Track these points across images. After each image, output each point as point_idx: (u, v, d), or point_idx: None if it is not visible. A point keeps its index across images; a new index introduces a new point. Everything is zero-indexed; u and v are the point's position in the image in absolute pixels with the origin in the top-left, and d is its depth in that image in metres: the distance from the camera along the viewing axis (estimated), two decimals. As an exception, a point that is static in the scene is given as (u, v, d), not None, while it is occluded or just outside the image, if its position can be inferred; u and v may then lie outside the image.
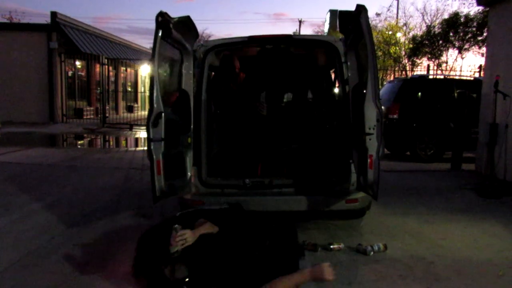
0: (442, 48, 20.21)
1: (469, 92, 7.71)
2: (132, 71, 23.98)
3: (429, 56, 20.57)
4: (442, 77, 11.50)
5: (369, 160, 3.17)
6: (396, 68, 20.89)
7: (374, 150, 3.15)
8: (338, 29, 5.29)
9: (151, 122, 3.13)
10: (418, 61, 21.10)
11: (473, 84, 8.62)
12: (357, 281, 2.87)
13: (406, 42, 21.91)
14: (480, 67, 14.95)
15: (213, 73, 4.54)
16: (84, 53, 15.90)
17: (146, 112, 3.20)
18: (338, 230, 3.94)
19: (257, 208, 3.54)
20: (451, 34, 19.42)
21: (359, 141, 3.34)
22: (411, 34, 21.84)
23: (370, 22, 3.14)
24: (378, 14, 24.88)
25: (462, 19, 18.85)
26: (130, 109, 21.77)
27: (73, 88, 17.67)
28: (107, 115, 15.95)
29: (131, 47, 23.72)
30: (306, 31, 68.94)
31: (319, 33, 36.42)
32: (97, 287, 2.78)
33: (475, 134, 7.38)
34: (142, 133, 14.10)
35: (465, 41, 19.45)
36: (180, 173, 3.67)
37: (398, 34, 22.30)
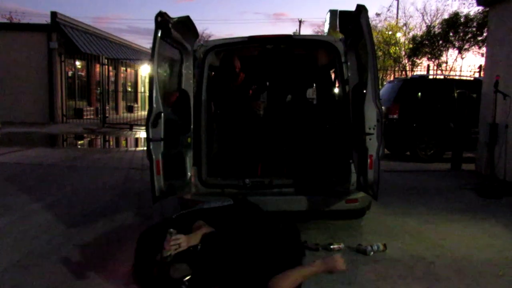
0: (442, 48, 20.22)
1: (469, 92, 7.71)
2: (132, 71, 23.98)
3: (429, 56, 20.58)
4: (442, 77, 11.50)
5: (369, 160, 3.17)
6: (396, 68, 20.89)
7: (374, 150, 3.15)
8: (338, 29, 5.29)
9: (150, 122, 3.13)
10: (418, 61, 21.11)
11: (473, 84, 8.62)
12: (357, 281, 2.87)
13: (406, 42, 21.92)
14: (480, 67, 14.95)
15: (213, 73, 4.54)
16: (84, 53, 15.90)
17: (146, 112, 3.20)
18: (338, 230, 3.94)
19: None
20: (451, 34, 19.43)
21: (359, 141, 3.34)
22: (411, 34, 21.87)
23: (370, 22, 3.14)
24: (378, 14, 24.93)
25: (462, 19, 18.86)
26: (130, 109, 21.79)
27: (73, 88, 17.67)
28: (107, 115, 15.95)
29: (131, 47, 23.73)
30: (306, 31, 68.98)
31: (319, 33, 36.43)
32: (98, 287, 2.78)
33: (475, 134, 7.38)
34: (142, 133, 14.10)
35: (465, 41, 19.45)
36: (180, 173, 3.67)
37: (398, 34, 22.31)
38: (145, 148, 8.74)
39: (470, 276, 2.98)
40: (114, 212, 4.51)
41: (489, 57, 7.36)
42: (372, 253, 3.30)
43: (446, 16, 20.16)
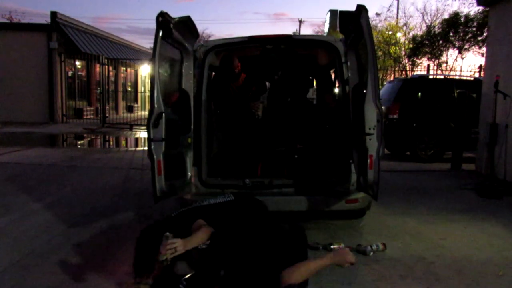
0: (442, 48, 20.22)
1: (469, 92, 7.71)
2: (132, 71, 23.99)
3: (429, 56, 20.57)
4: (442, 77, 11.50)
5: (369, 161, 3.17)
6: (396, 68, 20.89)
7: (374, 150, 3.15)
8: (338, 29, 5.29)
9: (151, 123, 3.13)
10: (418, 61, 21.10)
11: (473, 84, 8.61)
12: (357, 281, 2.87)
13: (406, 42, 21.91)
14: (480, 67, 14.96)
15: (213, 73, 4.55)
16: (84, 53, 15.91)
17: (146, 112, 3.21)
18: (338, 230, 3.94)
19: None
20: (451, 34, 19.41)
21: (359, 141, 3.34)
22: (411, 34, 21.85)
23: (370, 22, 3.14)
24: (378, 14, 24.92)
25: (462, 19, 18.85)
26: (130, 109, 21.79)
27: (73, 88, 17.67)
28: (107, 115, 15.95)
29: (131, 47, 23.73)
30: (306, 31, 69.03)
31: (319, 33, 36.44)
32: (97, 287, 2.78)
33: (475, 134, 7.38)
34: (142, 133, 14.10)
35: (465, 41, 19.44)
36: (180, 173, 3.68)
37: (398, 34, 22.30)
38: (145, 148, 8.73)
39: (470, 276, 2.99)
40: (114, 212, 4.51)
41: (489, 57, 7.36)
42: (372, 253, 3.30)
43: (446, 16, 20.17)
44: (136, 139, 13.13)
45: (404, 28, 22.36)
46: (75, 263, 3.14)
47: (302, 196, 3.70)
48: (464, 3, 28.41)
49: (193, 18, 3.48)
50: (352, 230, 3.94)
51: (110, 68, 17.43)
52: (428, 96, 8.62)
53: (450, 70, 19.41)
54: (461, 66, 19.31)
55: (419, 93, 8.68)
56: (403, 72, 20.29)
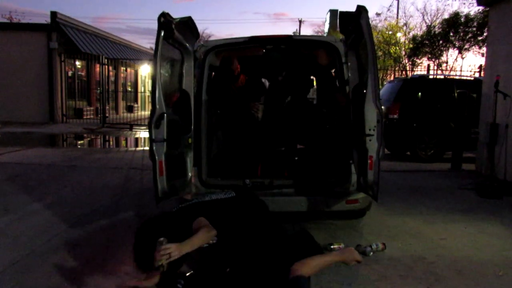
0: (442, 48, 20.23)
1: (469, 92, 7.71)
2: (132, 71, 23.98)
3: (429, 56, 20.58)
4: (442, 77, 11.50)
5: (369, 161, 3.17)
6: (396, 68, 20.89)
7: (374, 151, 3.15)
8: (338, 29, 5.28)
9: (153, 123, 3.13)
10: (418, 61, 21.12)
11: (473, 84, 8.62)
12: (357, 281, 2.87)
13: (406, 42, 21.91)
14: (480, 67, 14.95)
15: (213, 73, 4.55)
16: (84, 53, 15.90)
17: (146, 112, 3.22)
18: (338, 230, 3.94)
19: None
20: (451, 34, 19.43)
21: (360, 142, 3.34)
22: (411, 34, 21.86)
23: (370, 22, 3.14)
24: (378, 14, 24.94)
25: (462, 19, 18.86)
26: (130, 109, 21.78)
27: (73, 88, 17.66)
28: (107, 115, 15.95)
29: (131, 47, 23.72)
30: (306, 31, 69.04)
31: (319, 33, 36.43)
32: (97, 287, 2.79)
33: (475, 134, 7.38)
34: (142, 133, 14.11)
35: (465, 41, 19.45)
36: (181, 173, 3.68)
37: (398, 34, 22.30)
38: (145, 148, 8.71)
39: (470, 276, 2.99)
40: (114, 212, 4.51)
41: (489, 57, 7.36)
42: (371, 253, 3.30)
43: (446, 16, 20.19)
44: (136, 139, 13.13)
45: (404, 28, 22.37)
46: (75, 263, 3.14)
47: (302, 197, 3.70)
48: (464, 3, 28.42)
49: (193, 18, 3.48)
50: (352, 230, 3.95)
51: (110, 68, 17.43)
52: (428, 96, 8.62)
53: (450, 70, 19.42)
54: (461, 66, 19.37)
55: (419, 93, 8.68)
56: (403, 72, 20.30)
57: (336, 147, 4.18)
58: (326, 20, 37.96)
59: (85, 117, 16.72)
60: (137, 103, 23.66)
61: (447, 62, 20.56)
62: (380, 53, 21.09)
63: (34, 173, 6.52)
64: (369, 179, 3.20)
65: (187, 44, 3.69)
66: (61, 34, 16.03)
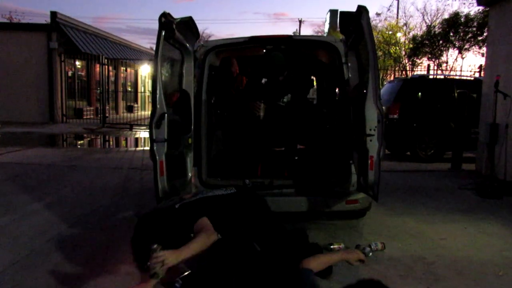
0: (442, 48, 20.24)
1: (469, 92, 7.71)
2: (132, 71, 23.97)
3: (429, 56, 20.59)
4: (442, 77, 11.50)
5: (370, 161, 3.17)
6: (396, 68, 20.90)
7: (375, 151, 3.15)
8: (338, 29, 5.27)
9: (154, 123, 3.13)
10: (418, 61, 21.13)
11: (473, 84, 8.62)
12: (357, 281, 2.87)
13: (406, 42, 21.92)
14: (480, 67, 14.96)
15: (213, 73, 4.55)
16: (84, 53, 15.90)
17: (146, 112, 3.22)
18: (338, 230, 3.94)
19: None
20: (451, 34, 19.43)
21: (360, 142, 3.34)
22: (411, 34, 21.87)
23: (370, 22, 3.14)
24: (378, 14, 24.94)
25: (462, 19, 18.87)
26: (130, 109, 21.77)
27: (73, 88, 17.66)
28: (107, 115, 15.95)
29: (131, 47, 23.71)
30: (306, 31, 69.07)
31: (319, 33, 36.43)
32: (97, 287, 2.79)
33: (475, 134, 7.38)
34: (142, 133, 14.11)
35: (465, 41, 19.46)
36: (181, 173, 3.68)
37: (398, 34, 22.31)
38: (145, 148, 8.71)
39: (470, 276, 2.99)
40: (115, 212, 4.52)
41: (489, 57, 7.36)
42: (371, 253, 3.29)
43: (446, 16, 20.19)
44: (136, 139, 13.13)
45: (404, 28, 22.38)
46: (75, 263, 3.14)
47: (302, 197, 3.70)
48: (464, 3, 28.42)
49: (193, 18, 3.48)
50: (352, 230, 3.95)
51: (110, 68, 17.43)
52: (428, 96, 8.62)
53: (450, 70, 19.42)
54: (461, 66, 19.37)
55: (419, 93, 8.68)
56: (403, 72, 20.30)
57: (336, 147, 4.18)
58: (326, 20, 37.96)
59: (85, 117, 16.71)
60: (137, 103, 23.65)
61: (447, 62, 20.59)
62: (380, 53, 21.09)
63: (34, 173, 6.52)
64: (370, 179, 3.20)
65: (187, 44, 3.70)
66: (61, 34, 16.03)
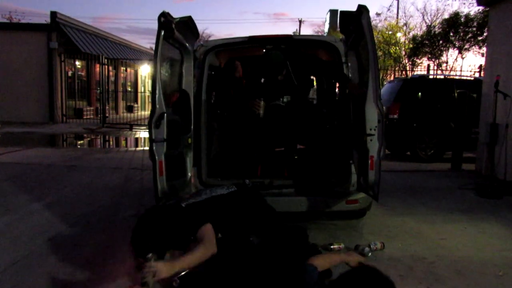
0: (442, 48, 20.23)
1: (469, 92, 7.70)
2: (132, 71, 23.97)
3: (429, 56, 20.58)
4: (442, 77, 11.50)
5: (370, 161, 3.16)
6: (396, 68, 20.89)
7: (375, 151, 3.14)
8: (338, 29, 5.27)
9: (153, 123, 3.13)
10: (418, 61, 21.12)
11: (473, 84, 8.61)
12: (357, 281, 2.87)
13: (406, 42, 21.91)
14: (480, 67, 14.96)
15: (213, 72, 4.55)
16: (84, 53, 15.90)
17: (146, 112, 3.22)
18: (338, 230, 3.94)
19: None
20: (451, 34, 19.43)
21: (360, 142, 3.34)
22: (411, 34, 21.86)
23: (371, 22, 3.13)
24: (378, 14, 24.92)
25: (462, 19, 18.86)
26: (130, 109, 21.77)
27: (73, 88, 17.66)
28: (107, 115, 15.95)
29: (131, 47, 23.71)
30: (306, 31, 69.07)
31: (319, 33, 36.43)
32: (97, 287, 2.78)
33: (475, 134, 7.38)
34: (142, 133, 14.11)
35: (465, 41, 19.45)
36: (181, 173, 3.67)
37: (398, 34, 22.30)
38: (145, 148, 8.70)
39: (470, 276, 2.99)
40: (114, 212, 4.51)
41: (489, 57, 7.36)
42: (370, 253, 3.29)
43: (446, 16, 20.19)
44: (136, 139, 13.13)
45: (404, 28, 22.37)
46: (75, 263, 3.13)
47: (302, 197, 3.70)
48: (464, 3, 28.41)
49: (193, 18, 3.48)
50: (352, 230, 3.94)
51: (110, 68, 17.43)
52: (428, 96, 8.62)
53: (450, 70, 19.42)
54: (461, 66, 19.37)
55: (419, 93, 8.68)
56: (403, 72, 20.30)
57: (336, 147, 4.18)
58: (326, 20, 37.97)
59: (85, 117, 16.71)
60: (137, 103, 23.65)
61: (447, 62, 20.58)
62: (380, 53, 21.08)
63: (34, 173, 6.52)
64: (370, 179, 3.19)
65: (187, 44, 3.69)
66: (61, 34, 16.03)
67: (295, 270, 2.22)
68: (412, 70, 19.85)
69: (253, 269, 2.35)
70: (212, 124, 4.30)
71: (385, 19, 24.45)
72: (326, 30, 35.88)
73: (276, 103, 4.82)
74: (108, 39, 20.35)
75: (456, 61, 20.19)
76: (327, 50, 4.26)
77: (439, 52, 20.29)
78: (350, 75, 3.74)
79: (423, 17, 23.55)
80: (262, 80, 4.79)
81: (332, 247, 3.37)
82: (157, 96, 3.14)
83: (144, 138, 12.93)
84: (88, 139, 13.22)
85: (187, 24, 3.47)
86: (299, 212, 3.76)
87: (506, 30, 6.57)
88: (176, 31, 3.30)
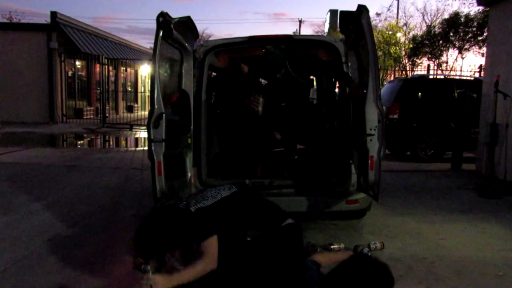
0: (442, 48, 20.23)
1: (469, 92, 7.70)
2: (132, 71, 23.97)
3: (429, 56, 20.59)
4: (442, 77, 11.50)
5: (370, 161, 3.16)
6: (396, 68, 20.89)
7: (375, 151, 3.14)
8: (338, 29, 5.26)
9: (152, 123, 3.13)
10: (418, 61, 21.12)
11: (473, 84, 8.61)
12: (357, 281, 2.87)
13: (406, 42, 21.92)
14: (480, 67, 14.95)
15: (213, 73, 4.55)
16: (84, 53, 15.89)
17: (146, 112, 3.21)
18: (338, 230, 3.94)
19: None
20: (451, 34, 19.43)
21: (360, 142, 3.34)
22: (411, 34, 21.87)
23: (371, 22, 3.13)
24: (378, 14, 24.94)
25: (462, 19, 18.87)
26: (130, 109, 21.77)
27: (73, 88, 17.66)
28: (107, 115, 15.95)
29: (131, 47, 23.71)
30: (306, 31, 69.07)
31: (319, 33, 36.43)
32: (97, 287, 2.79)
33: (475, 134, 7.38)
34: (142, 133, 14.10)
35: (465, 41, 19.46)
36: (180, 174, 3.67)
37: (398, 34, 22.31)
38: (145, 148, 8.71)
39: (470, 276, 2.99)
40: (114, 212, 4.51)
41: (489, 57, 7.36)
42: (369, 253, 3.29)
43: (446, 16, 20.19)
44: (136, 139, 13.13)
45: (404, 28, 22.38)
46: (75, 263, 3.14)
47: (302, 197, 3.70)
48: (464, 3, 28.42)
49: (193, 18, 3.48)
50: (352, 230, 3.94)
51: (110, 68, 17.42)
52: (428, 96, 8.61)
53: (450, 70, 19.42)
54: (461, 66, 19.37)
55: (419, 93, 8.68)
56: (403, 72, 20.30)
57: (336, 147, 4.18)
58: (326, 20, 38.00)
59: (85, 117, 16.71)
60: (137, 103, 23.65)
61: (447, 62, 20.58)
62: (380, 53, 21.08)
63: (34, 173, 6.52)
64: (370, 179, 3.19)
65: (186, 44, 3.69)
66: (61, 34, 16.02)
67: (295, 266, 2.22)
68: (412, 70, 19.86)
69: (247, 266, 2.35)
70: (212, 124, 4.30)
71: (385, 19, 24.50)
72: (326, 30, 35.90)
73: (276, 103, 4.81)
74: (108, 39, 20.34)
75: (456, 61, 20.23)
76: (327, 50, 4.26)
77: (439, 52, 20.30)
78: (350, 75, 3.74)
79: (423, 17, 23.59)
80: (262, 81, 4.77)
81: (332, 247, 3.37)
82: (155, 96, 3.14)
83: (144, 138, 12.92)
84: (88, 139, 13.22)
85: (187, 24, 3.47)
86: (299, 212, 3.76)
87: (506, 30, 6.57)
88: (175, 31, 3.29)
